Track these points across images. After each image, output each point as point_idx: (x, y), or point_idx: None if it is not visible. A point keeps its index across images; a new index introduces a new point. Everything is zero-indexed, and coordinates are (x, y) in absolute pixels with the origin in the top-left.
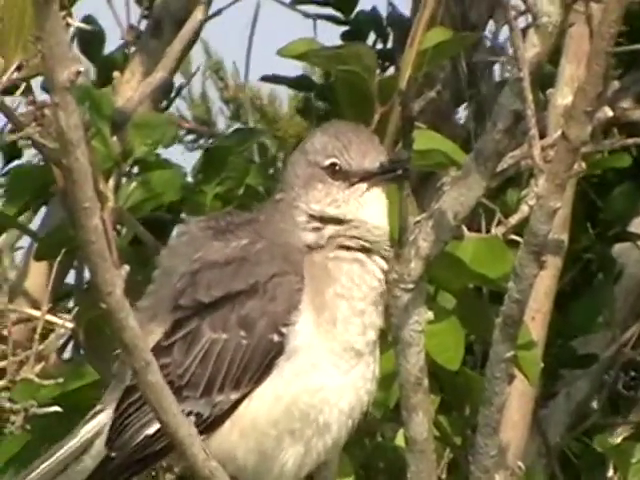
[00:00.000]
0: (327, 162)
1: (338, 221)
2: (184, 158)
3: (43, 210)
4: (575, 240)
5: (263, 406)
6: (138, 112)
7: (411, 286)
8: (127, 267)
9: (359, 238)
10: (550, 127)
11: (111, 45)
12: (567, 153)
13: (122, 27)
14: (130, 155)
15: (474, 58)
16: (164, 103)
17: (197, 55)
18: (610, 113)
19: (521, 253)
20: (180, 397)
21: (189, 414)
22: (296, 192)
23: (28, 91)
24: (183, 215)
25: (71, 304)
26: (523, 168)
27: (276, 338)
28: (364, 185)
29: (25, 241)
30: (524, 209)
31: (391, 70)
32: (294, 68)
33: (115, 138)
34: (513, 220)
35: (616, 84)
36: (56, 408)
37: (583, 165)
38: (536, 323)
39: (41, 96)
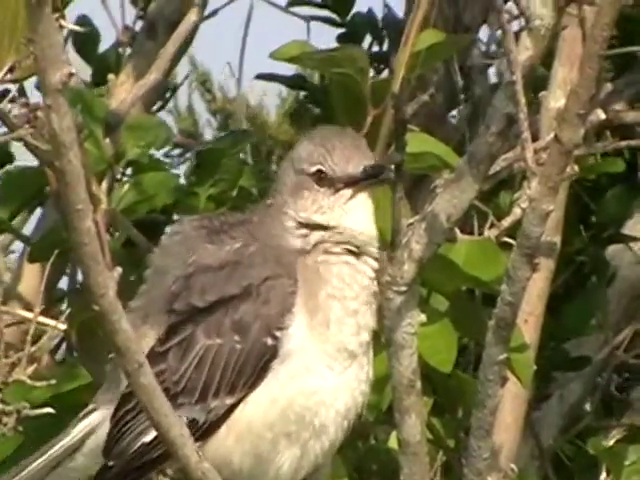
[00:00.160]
0: (313, 169)
1: (324, 228)
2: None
3: (38, 212)
4: (568, 243)
5: (258, 410)
6: (131, 114)
7: (404, 288)
8: (120, 269)
9: (344, 243)
10: (543, 130)
11: (106, 45)
12: (560, 156)
13: (117, 28)
14: (123, 157)
15: (467, 61)
16: (157, 105)
17: (182, 68)
18: (603, 116)
19: (514, 256)
20: (175, 404)
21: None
22: (284, 199)
23: (21, 93)
24: (176, 217)
25: (64, 306)
26: (516, 171)
27: (270, 342)
28: (349, 191)
29: (19, 243)
30: (517, 212)
31: (387, 73)
32: (287, 71)
33: (108, 140)
34: (506, 223)
35: (609, 87)
36: (49, 409)
37: (576, 168)
38: (529, 326)
39: (35, 98)
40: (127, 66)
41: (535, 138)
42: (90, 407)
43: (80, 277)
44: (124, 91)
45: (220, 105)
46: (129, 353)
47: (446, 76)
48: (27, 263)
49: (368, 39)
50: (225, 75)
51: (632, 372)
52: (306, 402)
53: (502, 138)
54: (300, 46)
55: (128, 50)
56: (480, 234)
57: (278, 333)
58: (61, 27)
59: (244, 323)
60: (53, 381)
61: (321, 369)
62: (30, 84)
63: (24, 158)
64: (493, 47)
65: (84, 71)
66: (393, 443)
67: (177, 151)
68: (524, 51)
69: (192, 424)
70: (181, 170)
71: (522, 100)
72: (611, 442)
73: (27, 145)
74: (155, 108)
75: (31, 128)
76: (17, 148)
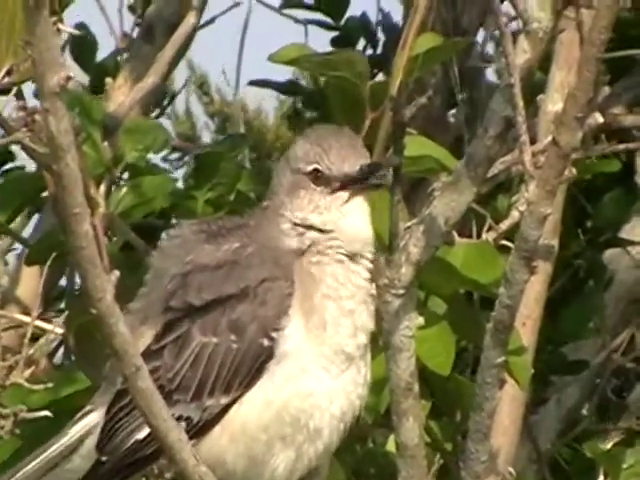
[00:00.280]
0: (309, 168)
1: (319, 230)
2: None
3: (36, 216)
4: (566, 246)
5: (253, 411)
6: (129, 117)
7: (402, 291)
8: (117, 273)
9: (339, 248)
10: (541, 133)
11: (104, 52)
12: (558, 159)
13: (115, 35)
14: (121, 160)
15: (465, 64)
16: (156, 112)
17: (180, 72)
18: (601, 119)
19: (512, 259)
20: (170, 401)
21: (179, 418)
22: (281, 200)
23: (19, 96)
24: (174, 221)
25: (62, 309)
26: (514, 174)
27: (266, 342)
28: (346, 194)
29: (17, 247)
30: (515, 215)
31: (380, 76)
32: (286, 73)
33: (106, 144)
34: (504, 226)
35: (607, 90)
36: (46, 413)
37: (574, 171)
38: (527, 329)
39: (33, 101)
40: (124, 69)
41: (533, 141)
42: (87, 408)
43: (78, 280)
44: (122, 94)
45: (218, 108)
46: (127, 356)
47: (444, 79)
48: (25, 267)
49: (362, 42)
50: (222, 79)
51: (629, 375)
52: (301, 404)
53: (500, 141)
54: (299, 49)
55: (125, 55)
56: (478, 237)
57: (274, 334)
58: (59, 30)
59: (241, 323)
60: (50, 384)
61: (317, 371)
62: (28, 87)
63: (24, 160)
64: (490, 50)
65: (81, 79)
66: (391, 446)
67: (175, 155)
68: (522, 54)
69: (187, 422)
70: (179, 174)
71: (520, 103)
72: (609, 445)
73: (25, 148)
74: (154, 115)
75: (29, 131)
76: (17, 150)
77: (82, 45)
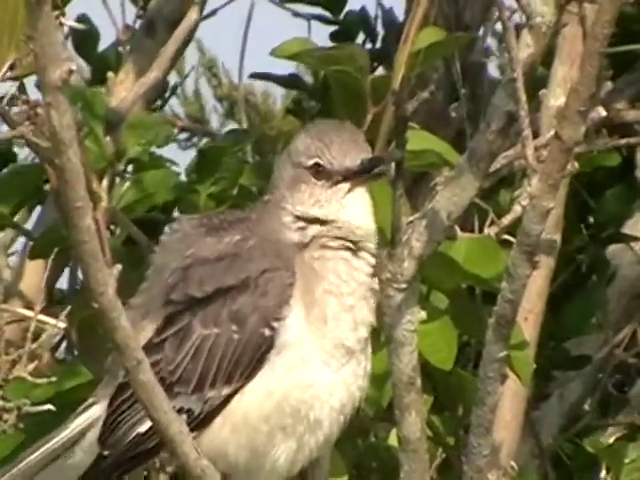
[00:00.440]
0: (310, 162)
1: (321, 222)
2: (177, 157)
3: (38, 211)
4: (568, 241)
5: (254, 401)
6: (132, 112)
7: (404, 286)
8: (119, 267)
9: (342, 238)
10: (543, 128)
11: (105, 44)
12: (560, 153)
13: (117, 27)
14: (124, 155)
15: (468, 59)
16: (158, 103)
17: (190, 53)
18: (603, 113)
19: (514, 253)
20: (171, 393)
21: (180, 411)
22: (282, 193)
23: (21, 90)
24: (176, 215)
25: (65, 304)
26: (516, 168)
27: (267, 332)
28: (347, 185)
29: (19, 242)
30: (517, 209)
31: (380, 70)
32: (288, 67)
33: (109, 138)
34: (506, 220)
35: (609, 85)
36: (49, 407)
37: (576, 165)
38: (529, 323)
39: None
40: (126, 64)
41: (535, 136)
42: (90, 401)
43: (80, 275)
44: (123, 89)
45: (226, 92)
46: (128, 350)
47: (446, 74)
48: (28, 261)
49: (361, 37)
50: (225, 75)
51: (631, 371)
52: (302, 395)
53: (502, 136)
54: (301, 43)
55: (127, 48)
56: (480, 232)
57: (275, 324)
58: (61, 25)
59: (241, 314)
60: (54, 378)
61: (317, 363)
62: (31, 82)
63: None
64: (493, 45)
65: (84, 72)
66: (393, 440)
67: (184, 135)
68: (525, 48)
69: (188, 414)
70: (187, 155)
71: (523, 97)
72: (611, 440)
73: (27, 142)
74: (158, 105)
75: (31, 125)
76: (17, 150)
77: (84, 37)
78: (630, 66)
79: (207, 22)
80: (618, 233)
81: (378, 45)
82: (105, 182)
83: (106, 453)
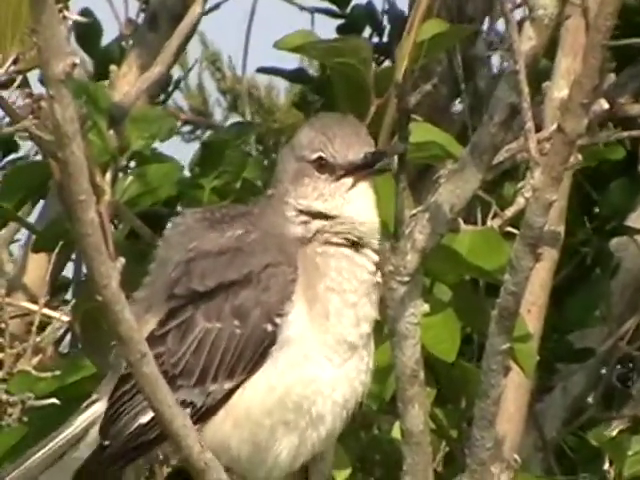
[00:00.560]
0: (313, 156)
1: (325, 216)
2: (180, 149)
3: (41, 204)
4: (572, 234)
5: (257, 396)
6: (135, 106)
7: (407, 279)
8: (123, 260)
9: (345, 234)
10: (546, 120)
11: (109, 38)
12: (563, 146)
13: (120, 20)
14: (127, 149)
15: (470, 51)
16: (162, 97)
17: (194, 46)
18: (606, 105)
19: (517, 245)
20: (174, 386)
21: (183, 403)
22: (285, 187)
23: (25, 84)
24: (180, 209)
25: (69, 297)
26: (519, 161)
27: (270, 328)
28: (350, 180)
29: (22, 235)
30: (520, 201)
31: (386, 64)
32: (292, 60)
33: (112, 132)
34: (509, 212)
35: (612, 77)
36: (53, 400)
37: (579, 157)
38: (532, 316)
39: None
40: (129, 58)
41: (538, 128)
42: (93, 397)
43: (85, 268)
44: (127, 83)
45: (229, 85)
46: (132, 343)
47: (449, 66)
48: (32, 254)
49: (368, 30)
50: (229, 68)
51: (635, 363)
52: (304, 390)
53: (505, 128)
54: (304, 36)
55: (130, 42)
56: (483, 224)
57: (278, 319)
58: (64, 18)
59: (244, 309)
60: (58, 372)
61: (320, 359)
62: (34, 75)
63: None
64: (495, 37)
65: (87, 66)
66: (396, 433)
67: (187, 128)
68: (527, 41)
69: (190, 407)
70: (190, 148)
71: (525, 90)
72: (614, 433)
73: (31, 136)
74: (161, 99)
75: (35, 119)
76: (22, 137)
77: (87, 30)
78: (634, 59)
79: (210, 15)
80: (622, 226)
81: (385, 39)
82: (108, 175)
83: (107, 443)
